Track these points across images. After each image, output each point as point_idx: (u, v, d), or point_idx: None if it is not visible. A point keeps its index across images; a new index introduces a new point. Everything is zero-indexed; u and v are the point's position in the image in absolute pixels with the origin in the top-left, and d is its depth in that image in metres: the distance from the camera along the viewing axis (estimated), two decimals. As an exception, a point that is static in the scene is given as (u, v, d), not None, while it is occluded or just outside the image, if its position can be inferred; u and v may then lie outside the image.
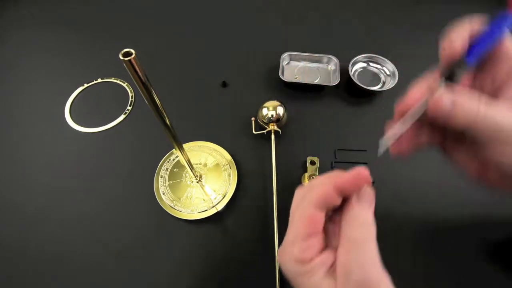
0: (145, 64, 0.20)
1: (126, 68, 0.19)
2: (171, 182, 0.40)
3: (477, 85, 0.22)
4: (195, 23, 0.62)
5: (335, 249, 0.20)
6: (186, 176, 0.40)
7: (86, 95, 0.51)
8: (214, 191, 0.39)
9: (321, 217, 0.20)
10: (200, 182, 0.40)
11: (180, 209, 0.37)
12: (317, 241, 0.20)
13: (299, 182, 0.40)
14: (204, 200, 0.38)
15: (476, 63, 0.20)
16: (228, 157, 0.42)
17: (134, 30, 0.61)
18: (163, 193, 0.39)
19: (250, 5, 0.66)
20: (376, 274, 0.18)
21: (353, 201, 0.20)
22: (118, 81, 0.52)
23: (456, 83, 0.20)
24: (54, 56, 0.57)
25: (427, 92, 0.21)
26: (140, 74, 0.20)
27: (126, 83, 0.52)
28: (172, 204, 0.37)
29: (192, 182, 0.39)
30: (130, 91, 0.51)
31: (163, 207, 0.37)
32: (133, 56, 0.19)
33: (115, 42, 0.58)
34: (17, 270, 0.35)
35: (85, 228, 0.37)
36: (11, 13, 0.65)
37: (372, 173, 0.42)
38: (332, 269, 0.19)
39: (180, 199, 0.38)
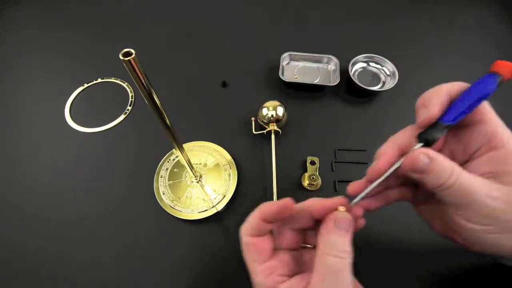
0: (145, 64, 0.20)
1: (126, 68, 0.19)
2: (171, 182, 0.40)
3: (447, 151, 0.23)
4: (195, 23, 0.62)
5: (308, 274, 0.20)
6: (186, 176, 0.40)
7: (86, 95, 0.51)
8: (214, 191, 0.39)
9: (259, 241, 0.22)
10: (200, 182, 0.40)
11: (180, 209, 0.37)
12: (276, 264, 0.21)
13: (299, 182, 0.40)
14: (204, 200, 0.38)
15: (454, 126, 0.20)
16: (228, 157, 0.42)
17: (134, 30, 0.61)
18: (163, 193, 0.39)
19: (250, 5, 0.66)
20: None
21: (330, 226, 0.20)
22: (118, 81, 0.52)
23: (432, 145, 0.20)
24: (54, 56, 0.57)
25: (398, 154, 0.22)
26: (140, 74, 0.20)
27: (126, 83, 0.52)
28: (172, 204, 0.37)
29: (192, 182, 0.39)
30: (130, 91, 0.51)
31: (163, 207, 0.37)
32: (133, 56, 0.19)
33: (115, 42, 0.58)
34: (17, 270, 0.35)
35: (85, 228, 0.37)
36: (11, 13, 0.65)
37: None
38: None
39: (180, 199, 0.38)
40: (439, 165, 0.19)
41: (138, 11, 0.65)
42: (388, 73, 0.50)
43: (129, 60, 0.19)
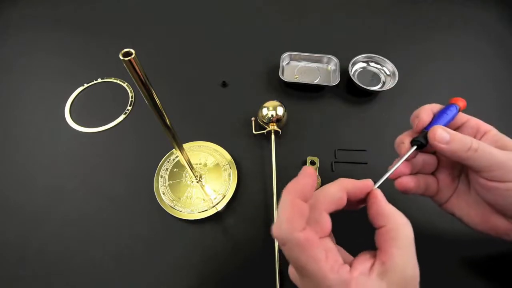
0: (145, 64, 0.20)
1: (126, 68, 0.19)
2: (171, 182, 0.40)
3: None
4: (195, 23, 0.62)
5: (363, 257, 0.20)
6: (186, 176, 0.40)
7: (86, 95, 0.51)
8: (214, 191, 0.39)
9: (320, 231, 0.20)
10: (200, 182, 0.40)
11: (180, 209, 0.37)
12: (335, 253, 0.19)
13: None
14: (204, 200, 0.38)
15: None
16: (228, 157, 0.42)
17: (134, 30, 0.61)
18: (163, 193, 0.39)
19: (250, 5, 0.66)
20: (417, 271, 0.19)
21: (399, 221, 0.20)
22: (118, 81, 0.52)
23: (422, 148, 0.26)
24: (54, 56, 0.57)
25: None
26: (140, 74, 0.20)
27: (126, 83, 0.52)
28: (172, 204, 0.37)
29: (192, 182, 0.39)
30: (130, 91, 0.51)
31: (163, 207, 0.37)
32: (133, 56, 0.19)
33: (115, 42, 0.58)
34: (17, 270, 0.35)
35: (85, 228, 0.37)
36: (11, 13, 0.65)
37: (371, 173, 0.42)
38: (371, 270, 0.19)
39: (180, 199, 0.38)
40: (459, 135, 0.24)
41: (138, 11, 0.65)
42: (388, 73, 0.50)
43: (129, 60, 0.19)
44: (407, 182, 0.27)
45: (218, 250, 0.35)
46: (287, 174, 0.40)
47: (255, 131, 0.44)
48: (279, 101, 0.43)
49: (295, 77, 0.51)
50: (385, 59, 0.50)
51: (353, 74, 0.50)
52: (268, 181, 0.40)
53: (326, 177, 0.40)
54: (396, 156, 0.29)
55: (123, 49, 0.19)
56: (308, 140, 0.44)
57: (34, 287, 0.34)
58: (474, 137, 0.26)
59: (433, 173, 0.30)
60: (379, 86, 0.49)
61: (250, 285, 0.33)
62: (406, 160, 0.26)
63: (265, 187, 0.40)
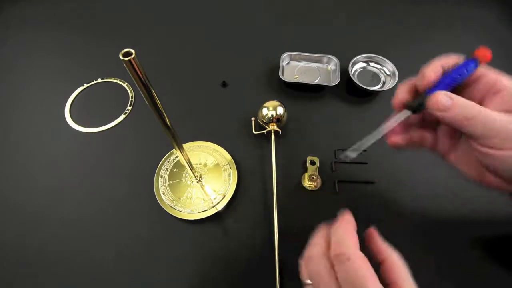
0: (145, 64, 0.20)
1: (126, 68, 0.19)
2: (171, 182, 0.40)
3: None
4: (195, 23, 0.62)
5: None
6: (186, 176, 0.40)
7: (86, 95, 0.51)
8: (214, 191, 0.39)
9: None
10: (200, 182, 0.40)
11: (180, 209, 0.37)
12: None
13: (299, 182, 0.40)
14: (204, 200, 0.38)
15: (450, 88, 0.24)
16: (228, 157, 0.42)
17: (134, 30, 0.61)
18: (163, 193, 0.39)
19: (250, 5, 0.66)
20: None
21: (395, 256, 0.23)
22: (118, 81, 0.52)
23: (417, 113, 0.25)
24: (54, 56, 0.57)
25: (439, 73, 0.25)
26: (140, 74, 0.20)
27: (126, 83, 0.52)
28: (172, 204, 0.37)
29: (192, 182, 0.39)
30: (130, 91, 0.51)
31: (163, 207, 0.37)
32: (133, 56, 0.19)
33: (115, 42, 0.58)
34: (16, 270, 0.35)
35: (85, 228, 0.37)
36: (11, 13, 0.65)
37: (371, 172, 0.42)
38: None
39: (180, 199, 0.38)
40: (461, 101, 0.22)
41: (138, 11, 0.65)
42: (388, 73, 0.50)
43: (129, 60, 0.19)
44: (397, 140, 0.28)
45: (218, 250, 0.35)
46: (287, 174, 0.40)
47: (255, 131, 0.44)
48: (279, 101, 0.43)
49: (295, 77, 0.51)
50: (385, 59, 0.50)
51: (353, 74, 0.50)
52: (268, 181, 0.40)
53: (326, 177, 0.40)
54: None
55: (123, 49, 0.19)
56: (308, 140, 0.44)
57: (34, 287, 0.34)
58: (486, 95, 0.24)
59: (434, 126, 0.28)
60: (379, 86, 0.49)
61: (250, 285, 0.33)
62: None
63: (265, 187, 0.40)
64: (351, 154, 0.28)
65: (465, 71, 0.24)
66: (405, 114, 0.26)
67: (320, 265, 0.22)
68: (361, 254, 0.21)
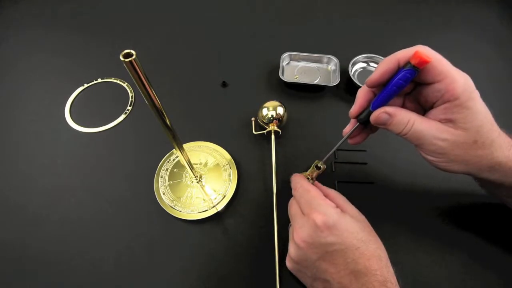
0: (145, 64, 0.20)
1: (127, 69, 0.19)
2: (171, 182, 0.40)
3: (415, 100, 0.28)
4: (195, 23, 0.62)
5: None
6: (186, 176, 0.40)
7: (86, 95, 0.51)
8: (214, 191, 0.39)
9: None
10: (200, 182, 0.40)
11: (180, 209, 0.37)
12: None
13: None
14: (204, 200, 0.38)
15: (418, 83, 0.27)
16: (228, 157, 0.42)
17: (134, 30, 0.61)
18: (163, 193, 0.39)
19: (250, 5, 0.66)
20: None
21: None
22: (118, 81, 0.52)
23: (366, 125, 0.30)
24: (54, 56, 0.57)
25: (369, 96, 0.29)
26: (140, 74, 0.20)
27: (126, 83, 0.52)
28: (172, 204, 0.37)
29: (192, 182, 0.40)
30: (130, 91, 0.51)
31: (163, 207, 0.37)
32: (133, 57, 0.19)
33: (115, 42, 0.58)
34: (16, 270, 0.35)
35: (84, 228, 0.37)
36: (11, 13, 0.65)
37: (371, 172, 0.42)
38: None
39: (180, 199, 0.38)
40: (396, 119, 0.26)
41: (139, 11, 0.65)
42: (388, 73, 0.50)
43: (130, 61, 0.19)
44: (356, 141, 0.33)
45: (218, 250, 0.35)
46: (287, 174, 0.40)
47: (255, 131, 0.44)
48: (279, 101, 0.43)
49: (295, 77, 0.51)
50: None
51: (353, 74, 0.50)
52: (268, 181, 0.40)
53: (326, 177, 0.40)
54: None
55: (123, 49, 0.19)
56: (308, 140, 0.44)
57: (34, 287, 0.34)
58: (440, 98, 0.25)
59: None
60: (379, 86, 0.49)
61: (250, 285, 0.33)
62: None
63: (265, 187, 0.40)
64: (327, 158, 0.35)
65: (402, 82, 0.25)
66: (357, 124, 0.30)
67: (290, 201, 0.32)
68: (314, 187, 0.31)
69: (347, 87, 0.50)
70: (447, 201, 0.38)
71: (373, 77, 0.27)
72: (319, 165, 0.38)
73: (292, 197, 0.32)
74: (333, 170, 0.41)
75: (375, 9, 0.64)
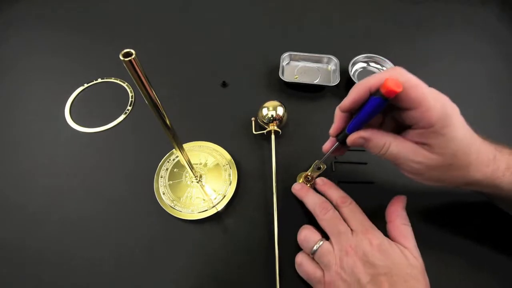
0: (145, 64, 0.20)
1: (126, 69, 0.19)
2: (171, 182, 0.40)
3: (393, 120, 0.29)
4: (195, 23, 0.62)
5: None
6: (186, 176, 0.40)
7: (86, 95, 0.51)
8: (214, 191, 0.39)
9: None
10: (200, 182, 0.40)
11: (180, 209, 0.37)
12: None
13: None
14: (204, 200, 0.38)
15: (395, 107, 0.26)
16: (228, 157, 0.42)
17: (134, 30, 0.61)
18: (163, 193, 0.39)
19: (250, 5, 0.66)
20: None
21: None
22: (118, 81, 0.52)
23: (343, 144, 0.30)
24: (54, 56, 0.57)
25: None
26: (140, 74, 0.20)
27: (126, 83, 0.52)
28: (172, 204, 0.37)
29: (192, 182, 0.40)
30: (130, 91, 0.51)
31: (163, 207, 0.37)
32: (133, 56, 0.19)
33: (115, 42, 0.58)
34: (16, 270, 0.35)
35: (84, 228, 0.37)
36: (11, 13, 0.65)
37: (371, 172, 0.42)
38: None
39: (180, 199, 0.38)
40: (372, 143, 0.27)
41: (138, 11, 0.65)
42: (388, 73, 0.50)
43: (129, 60, 0.19)
44: (340, 153, 0.34)
45: (218, 250, 0.35)
46: (287, 174, 0.40)
47: (255, 131, 0.44)
48: (279, 101, 0.43)
49: (295, 77, 0.51)
50: (385, 59, 0.50)
51: (353, 74, 0.50)
52: (268, 181, 0.40)
53: (326, 177, 0.40)
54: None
55: (123, 49, 0.19)
56: (308, 140, 0.44)
57: (34, 287, 0.34)
58: (417, 122, 0.25)
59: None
60: (379, 86, 0.49)
61: (250, 285, 0.33)
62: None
63: (265, 187, 0.40)
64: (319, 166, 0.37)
65: (373, 111, 0.25)
66: (336, 143, 0.32)
67: (331, 214, 0.32)
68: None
69: (347, 87, 0.50)
70: (447, 201, 0.38)
71: (344, 103, 0.28)
72: (319, 165, 0.38)
73: (332, 209, 0.32)
74: (333, 170, 0.41)
75: (375, 9, 0.64)
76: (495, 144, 0.28)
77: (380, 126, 0.30)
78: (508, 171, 0.27)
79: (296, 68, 0.52)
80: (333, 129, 0.31)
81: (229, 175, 0.40)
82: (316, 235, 0.31)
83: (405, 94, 0.23)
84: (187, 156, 0.34)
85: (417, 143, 0.26)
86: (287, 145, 0.43)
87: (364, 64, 0.52)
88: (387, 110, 0.28)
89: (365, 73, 0.51)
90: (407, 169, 0.28)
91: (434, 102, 0.24)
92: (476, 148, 0.26)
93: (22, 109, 0.49)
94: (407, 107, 0.24)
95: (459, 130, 0.25)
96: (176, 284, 0.33)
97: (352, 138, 0.28)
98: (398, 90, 0.22)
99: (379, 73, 0.26)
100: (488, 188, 0.28)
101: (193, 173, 0.38)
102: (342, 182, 0.39)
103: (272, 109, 0.42)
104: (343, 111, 0.29)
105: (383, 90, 0.22)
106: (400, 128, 0.28)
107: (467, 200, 0.37)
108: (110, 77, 0.53)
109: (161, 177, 0.40)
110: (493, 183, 0.27)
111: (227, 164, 0.41)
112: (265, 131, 0.43)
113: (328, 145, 0.33)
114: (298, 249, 0.33)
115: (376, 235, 0.29)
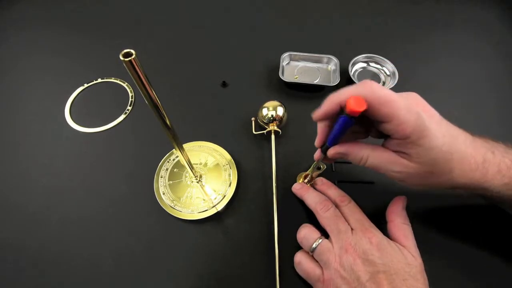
0: (145, 64, 0.20)
1: (126, 69, 0.19)
2: (171, 182, 0.40)
3: (377, 130, 0.28)
4: (195, 23, 0.62)
5: None
6: (186, 176, 0.40)
7: (86, 95, 0.51)
8: (214, 191, 0.39)
9: None
10: (200, 182, 0.40)
11: (180, 209, 0.37)
12: None
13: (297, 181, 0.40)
14: (204, 200, 0.38)
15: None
16: (228, 157, 0.42)
17: (134, 30, 0.61)
18: (163, 193, 0.39)
19: (250, 5, 0.66)
20: None
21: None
22: (118, 81, 0.52)
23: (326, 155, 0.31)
24: (54, 56, 0.57)
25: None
26: (140, 74, 0.20)
27: (126, 83, 0.52)
28: (172, 204, 0.37)
29: (192, 182, 0.40)
30: (130, 91, 0.51)
31: (163, 207, 0.37)
32: (133, 56, 0.19)
33: (115, 42, 0.58)
34: (16, 270, 0.35)
35: (84, 228, 0.37)
36: (11, 13, 0.65)
37: (371, 172, 0.42)
38: None
39: (180, 199, 0.38)
40: (351, 156, 0.29)
41: (138, 11, 0.65)
42: (388, 73, 0.50)
43: (129, 60, 0.19)
44: (330, 160, 0.35)
45: (218, 250, 0.35)
46: (287, 174, 0.40)
47: (255, 131, 0.44)
48: (279, 101, 0.43)
49: (295, 77, 0.51)
50: (385, 59, 0.50)
51: (353, 74, 0.50)
52: (268, 181, 0.40)
53: (326, 177, 0.40)
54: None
55: (123, 49, 0.19)
56: (308, 140, 0.43)
57: (34, 287, 0.34)
58: (394, 133, 0.25)
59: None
60: (379, 86, 0.49)
61: (250, 285, 0.33)
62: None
63: (265, 187, 0.40)
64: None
65: (342, 127, 0.25)
66: (323, 156, 0.32)
67: (331, 211, 0.32)
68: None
69: (347, 87, 0.50)
70: (447, 201, 0.38)
71: (316, 114, 0.28)
72: (319, 165, 0.38)
73: (333, 207, 0.32)
74: (333, 170, 0.41)
75: (375, 9, 0.64)
76: (491, 142, 0.28)
77: (367, 133, 0.31)
78: (499, 174, 0.26)
79: (296, 68, 0.52)
80: (317, 141, 0.31)
81: (229, 175, 0.40)
82: (316, 233, 0.31)
83: (376, 110, 0.24)
84: (187, 156, 0.34)
85: (397, 151, 0.26)
86: (287, 145, 0.43)
87: (364, 64, 0.52)
88: (369, 120, 0.27)
89: (365, 73, 0.51)
90: (390, 176, 0.28)
91: (408, 115, 0.24)
92: (459, 154, 0.26)
93: (22, 109, 0.49)
94: (381, 120, 0.25)
95: (437, 139, 0.24)
96: (176, 284, 0.33)
97: (330, 153, 0.30)
98: (361, 109, 0.22)
99: (352, 86, 0.25)
100: (477, 191, 0.28)
101: (193, 173, 0.38)
102: (342, 182, 0.39)
103: (272, 109, 0.42)
104: (316, 120, 0.29)
105: (346, 110, 0.23)
106: (381, 135, 0.28)
107: (467, 201, 0.37)
108: (110, 77, 0.53)
109: (161, 177, 0.40)
110: (482, 187, 0.27)
111: (227, 164, 0.41)
112: (265, 131, 0.43)
113: (317, 155, 0.33)
114: (298, 249, 0.33)
115: (376, 234, 0.29)
